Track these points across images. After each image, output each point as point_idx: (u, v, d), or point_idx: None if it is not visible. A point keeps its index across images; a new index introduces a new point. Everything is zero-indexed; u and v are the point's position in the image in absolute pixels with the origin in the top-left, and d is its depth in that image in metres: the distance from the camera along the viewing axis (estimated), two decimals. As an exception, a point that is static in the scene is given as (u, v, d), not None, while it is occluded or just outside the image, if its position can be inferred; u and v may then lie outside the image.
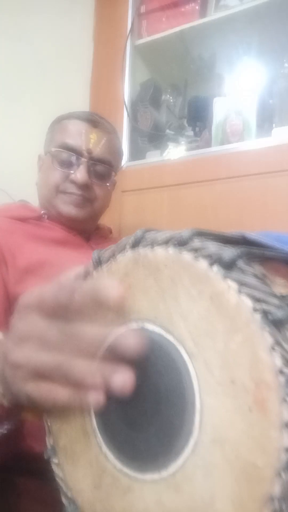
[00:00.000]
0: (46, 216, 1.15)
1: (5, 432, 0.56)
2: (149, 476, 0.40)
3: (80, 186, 1.11)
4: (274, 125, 1.51)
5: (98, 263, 0.46)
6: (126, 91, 1.80)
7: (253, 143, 1.48)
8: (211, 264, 0.35)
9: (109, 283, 0.41)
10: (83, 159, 1.12)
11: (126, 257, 0.43)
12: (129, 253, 0.42)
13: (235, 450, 0.34)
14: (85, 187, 1.12)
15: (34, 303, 0.45)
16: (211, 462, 0.35)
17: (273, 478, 0.32)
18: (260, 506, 0.32)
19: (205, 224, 1.42)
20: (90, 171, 1.13)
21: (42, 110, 1.34)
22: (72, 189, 1.12)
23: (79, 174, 1.11)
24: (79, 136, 1.13)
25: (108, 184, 1.18)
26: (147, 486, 0.40)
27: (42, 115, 1.25)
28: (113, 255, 0.44)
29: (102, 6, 1.94)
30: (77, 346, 0.42)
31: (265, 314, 0.33)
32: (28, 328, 0.45)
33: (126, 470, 0.42)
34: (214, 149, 1.57)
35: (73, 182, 1.11)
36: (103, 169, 1.16)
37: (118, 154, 1.24)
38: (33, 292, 0.47)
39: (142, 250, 0.41)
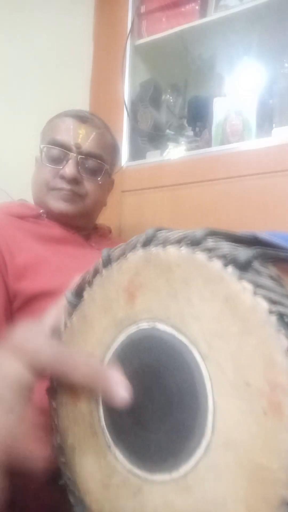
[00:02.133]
0: (44, 215, 1.15)
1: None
2: (159, 477, 0.40)
3: (69, 181, 1.11)
4: (274, 125, 1.50)
5: (108, 261, 0.45)
6: (126, 91, 1.80)
7: (253, 143, 1.48)
8: (226, 264, 0.35)
9: (119, 379, 0.42)
10: (72, 154, 1.12)
11: (137, 256, 0.42)
12: (140, 252, 0.42)
13: (249, 453, 0.34)
14: (74, 181, 1.12)
15: (24, 355, 0.46)
16: (224, 464, 0.35)
17: (287, 481, 0.32)
18: (273, 510, 0.32)
19: (205, 224, 1.42)
20: (80, 166, 1.13)
21: (42, 110, 1.33)
22: (62, 184, 1.12)
23: (68, 168, 1.11)
24: (67, 131, 1.14)
25: (99, 179, 1.17)
26: (157, 487, 0.40)
27: (42, 115, 1.25)
28: (123, 254, 0.44)
29: (102, 6, 1.94)
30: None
31: (281, 316, 0.32)
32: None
33: (135, 470, 0.42)
34: (214, 149, 1.57)
35: (62, 177, 1.11)
36: (93, 163, 1.16)
37: (110, 149, 1.23)
38: (28, 339, 0.48)
39: (153, 249, 0.41)
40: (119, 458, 0.43)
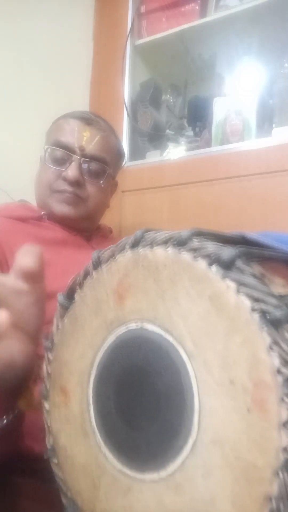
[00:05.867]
0: (46, 217, 1.15)
1: (4, 425, 0.56)
2: (149, 476, 0.40)
3: (72, 183, 1.11)
4: (274, 125, 1.51)
5: (98, 263, 0.45)
6: (126, 91, 1.80)
7: (253, 143, 1.48)
8: (210, 264, 0.35)
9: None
10: (75, 156, 1.12)
11: (125, 258, 0.43)
12: (128, 254, 0.42)
13: (235, 451, 0.34)
14: (76, 184, 1.11)
15: None
16: (211, 462, 0.35)
17: (271, 478, 0.32)
18: (259, 506, 0.32)
19: (205, 224, 1.42)
20: (83, 169, 1.13)
21: (42, 110, 1.34)
22: (64, 186, 1.12)
23: (70, 170, 1.11)
24: (72, 133, 1.14)
25: (101, 182, 1.17)
26: (147, 486, 0.40)
27: (42, 115, 1.25)
28: (112, 256, 0.44)
29: (102, 6, 1.94)
30: None
31: (263, 314, 0.33)
32: None
33: (125, 470, 0.42)
34: (214, 149, 1.57)
35: (64, 179, 1.11)
36: (96, 166, 1.15)
37: (114, 152, 1.23)
38: None
39: (141, 251, 0.41)
40: (109, 458, 0.43)
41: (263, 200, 1.39)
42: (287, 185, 1.37)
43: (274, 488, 0.32)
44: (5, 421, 0.56)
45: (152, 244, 0.40)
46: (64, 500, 0.49)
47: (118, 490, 0.42)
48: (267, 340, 0.32)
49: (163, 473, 0.38)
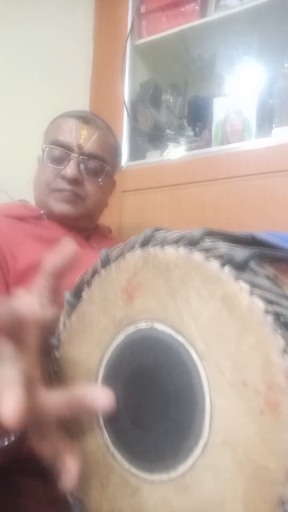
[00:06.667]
0: (45, 216, 1.15)
1: (6, 445, 0.55)
2: (158, 477, 0.40)
3: (70, 181, 1.11)
4: (274, 125, 1.51)
5: (106, 261, 0.45)
6: (126, 91, 1.80)
7: (253, 143, 1.48)
8: (223, 265, 0.35)
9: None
10: (73, 154, 1.12)
11: (135, 256, 0.42)
12: (138, 252, 0.42)
13: (246, 452, 0.34)
14: (75, 182, 1.11)
15: None
16: (222, 464, 0.35)
17: (285, 480, 0.32)
18: (272, 509, 0.32)
19: (205, 224, 1.42)
20: (81, 167, 1.13)
21: (42, 110, 1.34)
22: (63, 184, 1.11)
23: (69, 168, 1.11)
24: (70, 132, 1.14)
25: (100, 180, 1.17)
26: (155, 486, 0.40)
27: (42, 115, 1.25)
28: (121, 254, 0.44)
29: (102, 6, 1.94)
30: None
31: (277, 316, 0.33)
32: None
33: (134, 470, 0.42)
34: (214, 149, 1.57)
35: (63, 177, 1.11)
36: (95, 164, 1.15)
37: (112, 150, 1.23)
38: None
39: (152, 250, 0.41)
40: (117, 458, 0.43)
41: (263, 200, 1.39)
42: (287, 185, 1.36)
43: (287, 491, 0.32)
44: (6, 442, 0.55)
45: (162, 243, 0.40)
46: (70, 500, 0.49)
47: (126, 490, 0.42)
48: (281, 342, 0.32)
49: (173, 474, 0.38)
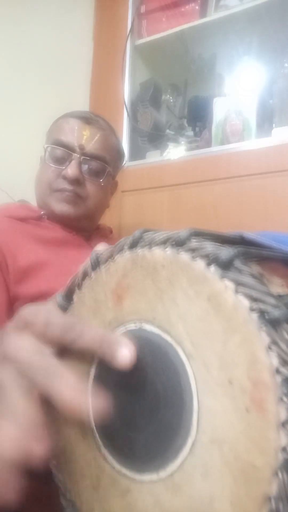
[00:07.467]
0: (45, 217, 1.15)
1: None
2: (148, 477, 0.40)
3: (71, 181, 1.11)
4: (274, 125, 1.51)
5: (96, 264, 0.45)
6: (126, 91, 1.80)
7: (253, 143, 1.48)
8: (208, 264, 0.35)
9: (124, 341, 0.39)
10: (75, 155, 1.12)
11: (124, 258, 0.42)
12: (127, 254, 0.42)
13: (234, 451, 0.34)
14: (76, 182, 1.12)
15: (35, 325, 0.42)
16: (210, 462, 0.35)
17: (270, 478, 0.32)
18: (259, 506, 0.32)
19: (205, 224, 1.42)
20: (83, 167, 1.14)
21: (42, 110, 1.34)
22: (64, 184, 1.12)
23: (70, 169, 1.11)
24: (72, 132, 1.14)
25: (101, 180, 1.17)
26: (145, 487, 0.40)
27: (42, 115, 1.25)
28: (111, 256, 0.44)
29: (102, 6, 1.94)
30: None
31: (262, 313, 0.33)
32: (16, 348, 0.41)
33: (124, 471, 0.42)
34: (214, 149, 1.57)
35: (64, 177, 1.11)
36: (96, 165, 1.16)
37: (114, 151, 1.23)
38: (38, 312, 0.43)
39: (140, 251, 0.41)
40: (108, 459, 0.43)
41: (263, 200, 1.39)
42: (287, 185, 1.36)
43: (273, 488, 0.32)
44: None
45: (150, 244, 0.40)
46: (63, 501, 0.49)
47: (117, 491, 0.42)
48: (266, 340, 0.32)
49: (163, 473, 0.38)
